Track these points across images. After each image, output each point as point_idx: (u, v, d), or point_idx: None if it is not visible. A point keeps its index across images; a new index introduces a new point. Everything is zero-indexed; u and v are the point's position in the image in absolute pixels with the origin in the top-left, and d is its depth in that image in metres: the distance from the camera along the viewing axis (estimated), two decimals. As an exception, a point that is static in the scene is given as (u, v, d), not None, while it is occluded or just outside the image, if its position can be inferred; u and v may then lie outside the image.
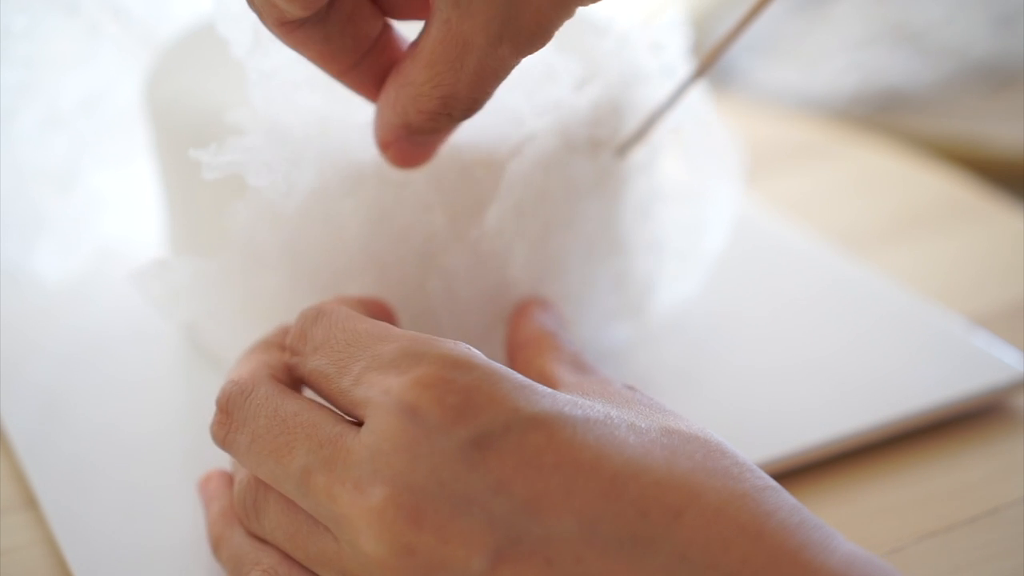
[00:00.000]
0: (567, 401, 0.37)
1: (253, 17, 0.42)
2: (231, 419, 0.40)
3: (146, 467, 0.50)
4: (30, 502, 0.49)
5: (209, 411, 0.39)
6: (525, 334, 0.47)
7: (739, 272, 0.60)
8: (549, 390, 0.37)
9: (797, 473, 0.49)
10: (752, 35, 1.10)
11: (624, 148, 0.51)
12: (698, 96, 0.55)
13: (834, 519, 0.39)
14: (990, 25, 1.08)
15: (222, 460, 0.44)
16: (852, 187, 0.72)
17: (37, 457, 0.50)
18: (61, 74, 0.56)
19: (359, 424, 0.38)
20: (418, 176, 0.46)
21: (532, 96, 0.47)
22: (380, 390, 0.37)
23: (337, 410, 0.39)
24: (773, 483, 0.36)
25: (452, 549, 0.35)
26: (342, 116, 0.45)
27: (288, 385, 0.41)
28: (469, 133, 0.46)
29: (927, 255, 0.64)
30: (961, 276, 0.63)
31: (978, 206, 0.68)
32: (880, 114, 0.98)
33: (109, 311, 0.57)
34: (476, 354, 0.38)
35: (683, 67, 0.51)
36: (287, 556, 0.40)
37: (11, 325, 0.57)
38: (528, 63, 0.46)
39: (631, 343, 0.55)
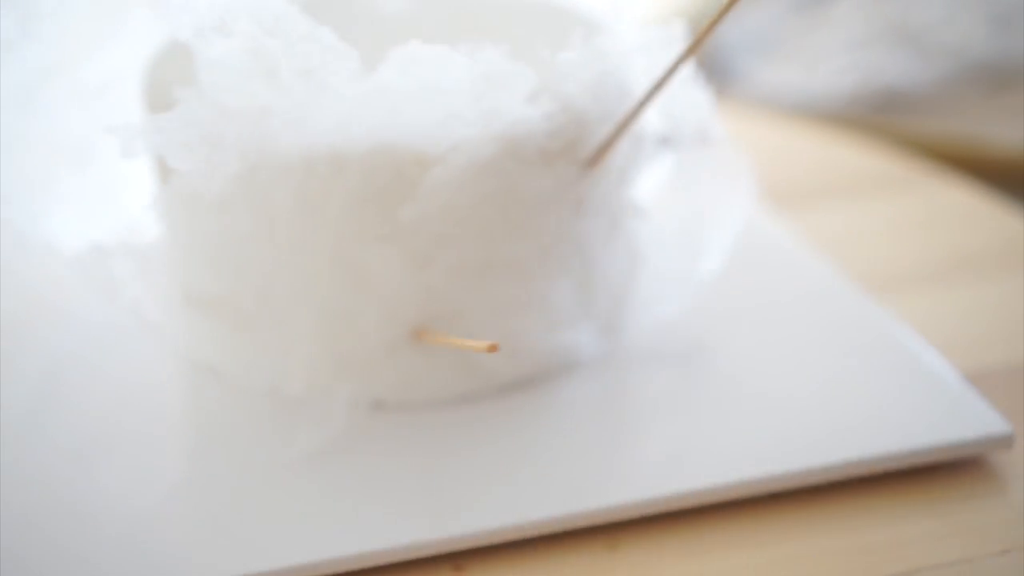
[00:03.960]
0: None
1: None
2: None
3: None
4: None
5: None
6: None
7: (747, 298, 0.58)
8: None
9: (765, 500, 0.48)
10: (751, 36, 1.12)
11: (593, 159, 0.50)
12: (703, 111, 0.54)
13: (789, 553, 0.42)
14: (989, 25, 1.07)
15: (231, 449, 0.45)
16: (911, 224, 0.69)
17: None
18: (85, 53, 0.58)
19: None
20: (351, 169, 0.46)
21: (479, 101, 0.46)
22: None
23: None
24: None
25: None
26: (280, 108, 0.45)
27: None
28: (406, 130, 0.46)
29: (960, 300, 0.61)
30: (980, 327, 0.59)
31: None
32: (878, 115, 0.96)
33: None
34: None
35: (645, 79, 0.49)
36: None
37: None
38: (481, 68, 0.46)
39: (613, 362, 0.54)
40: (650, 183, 0.55)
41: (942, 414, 0.50)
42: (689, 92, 0.54)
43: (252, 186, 0.46)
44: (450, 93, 0.46)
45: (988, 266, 0.63)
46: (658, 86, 0.48)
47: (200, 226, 0.47)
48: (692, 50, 0.48)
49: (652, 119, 0.53)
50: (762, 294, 0.58)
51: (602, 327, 0.53)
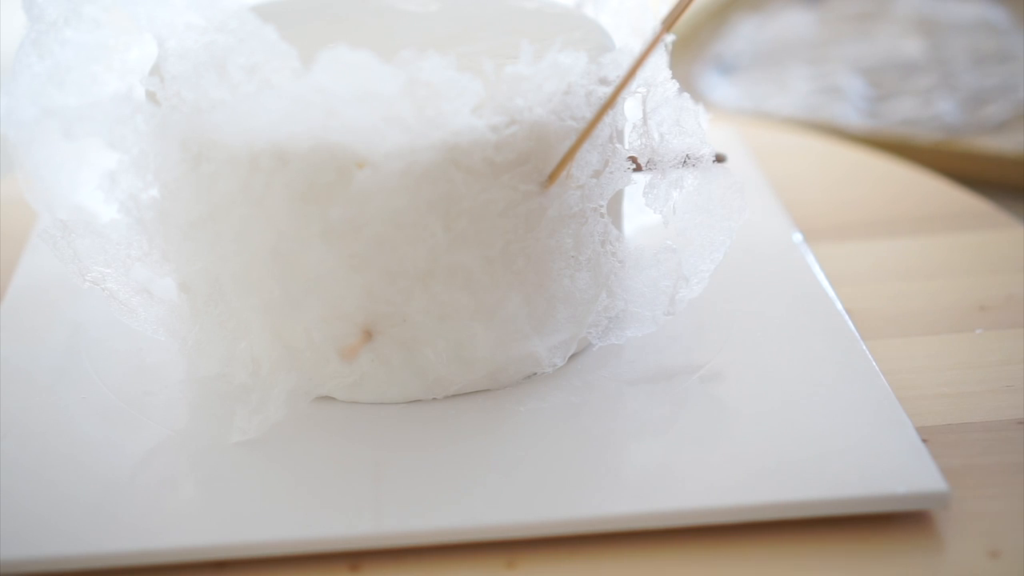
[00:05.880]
0: None
1: None
2: None
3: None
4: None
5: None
6: None
7: (731, 323, 0.57)
8: None
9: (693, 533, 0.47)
10: (718, 55, 1.21)
11: (552, 174, 0.50)
12: (694, 135, 0.53)
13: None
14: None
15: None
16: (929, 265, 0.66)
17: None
18: (126, 36, 0.60)
19: None
20: (293, 165, 0.47)
21: (423, 109, 0.47)
22: None
23: None
24: None
25: None
26: (227, 101, 0.47)
27: None
28: (345, 131, 0.46)
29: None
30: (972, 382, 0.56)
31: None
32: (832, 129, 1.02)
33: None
34: None
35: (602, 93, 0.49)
36: None
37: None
38: (430, 76, 0.46)
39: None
40: (670, 205, 0.54)
41: (885, 466, 0.48)
42: (680, 115, 0.53)
43: (197, 175, 0.48)
44: (387, 98, 0.46)
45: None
46: (607, 104, 0.48)
47: (150, 211, 0.49)
48: (644, 56, 0.47)
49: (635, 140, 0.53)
50: (749, 320, 0.57)
51: (562, 343, 0.52)
